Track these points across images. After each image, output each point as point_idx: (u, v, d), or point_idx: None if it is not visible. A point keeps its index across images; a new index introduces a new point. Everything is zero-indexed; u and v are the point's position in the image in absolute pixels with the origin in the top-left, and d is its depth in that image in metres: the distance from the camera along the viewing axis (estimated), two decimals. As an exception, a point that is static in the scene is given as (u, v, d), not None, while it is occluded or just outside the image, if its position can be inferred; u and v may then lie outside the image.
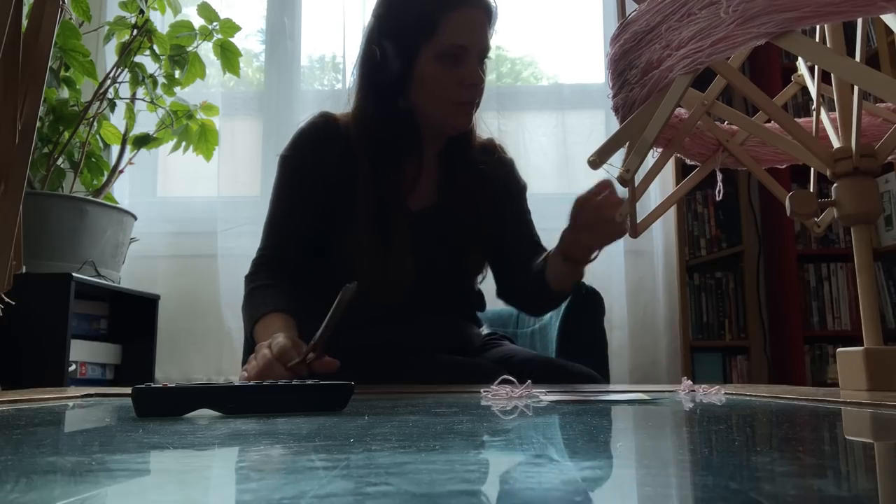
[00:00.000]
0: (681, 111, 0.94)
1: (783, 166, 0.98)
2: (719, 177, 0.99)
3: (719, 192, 1.00)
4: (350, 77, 1.23)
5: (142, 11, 2.01)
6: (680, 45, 0.62)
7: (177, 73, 2.10)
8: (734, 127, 0.96)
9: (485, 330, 1.36)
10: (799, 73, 0.94)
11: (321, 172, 1.17)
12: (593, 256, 1.12)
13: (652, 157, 0.93)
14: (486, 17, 1.14)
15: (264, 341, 0.97)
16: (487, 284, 1.42)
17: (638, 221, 0.88)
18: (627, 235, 0.92)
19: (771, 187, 0.92)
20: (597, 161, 0.69)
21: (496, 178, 1.28)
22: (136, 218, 2.07)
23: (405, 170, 1.19)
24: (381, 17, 1.16)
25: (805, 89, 0.95)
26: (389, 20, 1.15)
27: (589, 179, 1.10)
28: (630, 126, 0.70)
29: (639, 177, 0.88)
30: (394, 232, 1.15)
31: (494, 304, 1.63)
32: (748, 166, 0.94)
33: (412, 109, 1.16)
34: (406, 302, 1.18)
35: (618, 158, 0.77)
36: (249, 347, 1.34)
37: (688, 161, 1.00)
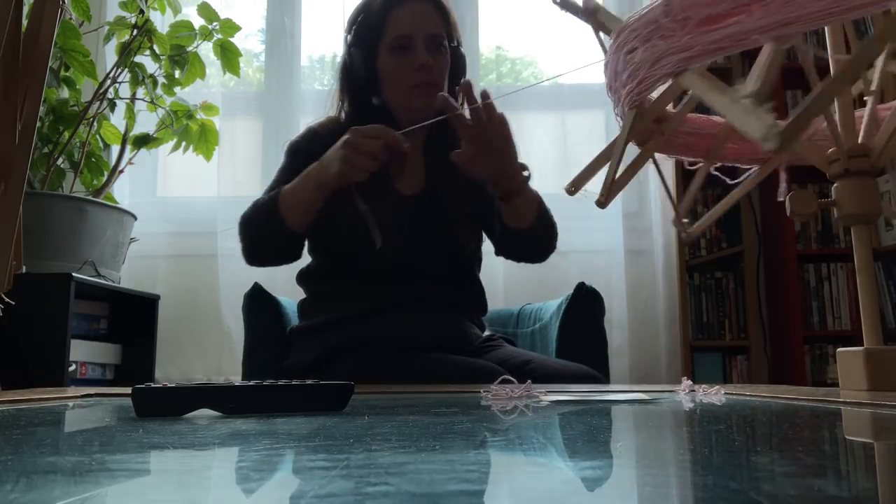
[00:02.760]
0: (718, 119, 0.93)
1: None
2: (783, 177, 0.97)
3: (782, 192, 0.97)
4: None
5: (142, 11, 2.01)
6: (623, 84, 0.70)
7: (177, 73, 2.10)
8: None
9: (486, 332, 1.36)
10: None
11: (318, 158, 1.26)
12: (526, 174, 1.20)
13: (689, 167, 0.92)
14: (429, 6, 1.27)
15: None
16: (486, 287, 1.42)
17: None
18: (683, 239, 0.92)
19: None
20: (572, 189, 0.75)
21: None
22: (136, 218, 2.07)
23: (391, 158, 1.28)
24: (348, 31, 1.32)
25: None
26: (353, 33, 1.30)
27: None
28: (601, 158, 0.76)
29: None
30: (376, 208, 1.22)
31: (494, 304, 1.63)
32: (812, 160, 0.92)
33: (385, 105, 1.29)
34: (403, 290, 1.22)
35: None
36: (251, 342, 1.35)
37: (741, 165, 0.97)
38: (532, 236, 1.28)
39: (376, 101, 1.29)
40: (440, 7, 1.28)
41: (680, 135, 0.87)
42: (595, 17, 0.76)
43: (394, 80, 1.26)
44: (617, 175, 0.74)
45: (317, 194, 1.17)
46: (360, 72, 1.27)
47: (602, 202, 0.75)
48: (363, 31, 1.28)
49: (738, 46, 0.59)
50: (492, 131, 1.12)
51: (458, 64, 1.32)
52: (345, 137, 1.12)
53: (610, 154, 0.74)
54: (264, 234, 1.23)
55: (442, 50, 1.28)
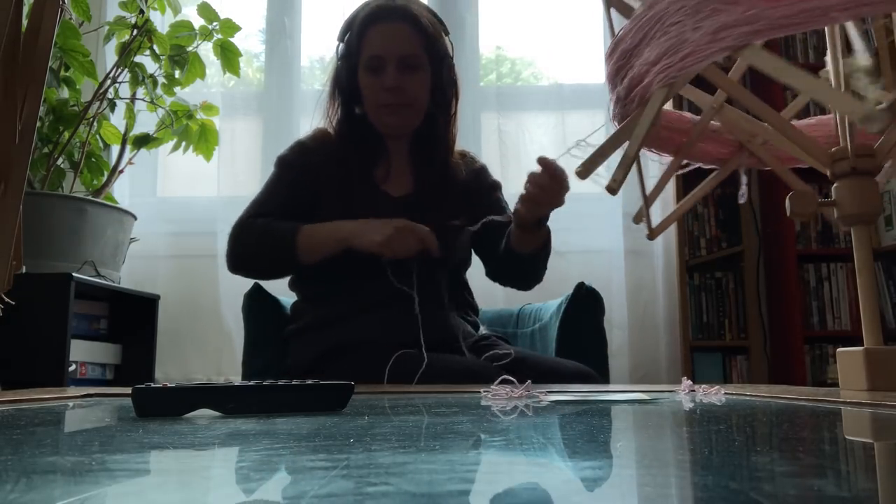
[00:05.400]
0: (690, 116, 0.93)
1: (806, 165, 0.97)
2: (743, 179, 0.98)
3: (743, 195, 0.98)
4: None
5: (142, 11, 2.00)
6: (655, 60, 0.66)
7: (177, 73, 2.10)
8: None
9: (482, 330, 1.37)
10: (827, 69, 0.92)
11: (310, 171, 1.32)
12: (544, 219, 1.25)
13: (661, 162, 0.93)
14: (405, 25, 1.29)
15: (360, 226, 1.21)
16: (486, 287, 1.42)
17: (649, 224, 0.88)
18: (646, 237, 0.92)
19: (795, 185, 0.91)
20: (584, 172, 0.73)
21: (467, 178, 1.40)
22: (136, 218, 2.06)
23: (378, 163, 1.34)
24: (339, 40, 1.36)
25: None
26: (343, 43, 1.34)
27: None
28: (614, 139, 0.74)
29: (650, 183, 0.89)
30: (362, 210, 1.26)
31: (494, 304, 1.63)
32: (771, 165, 0.93)
33: (365, 115, 1.33)
34: (395, 289, 1.22)
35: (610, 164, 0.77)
36: (251, 343, 1.36)
37: (704, 166, 0.98)
38: (530, 263, 1.34)
39: (359, 111, 1.34)
40: (418, 25, 1.29)
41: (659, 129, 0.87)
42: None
43: (368, 97, 1.31)
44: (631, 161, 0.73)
45: (340, 247, 1.21)
46: (343, 83, 1.32)
47: (613, 188, 0.74)
48: (347, 43, 1.33)
49: (812, 23, 0.55)
50: (555, 196, 1.20)
51: (441, 77, 1.33)
52: (398, 221, 1.18)
53: (621, 137, 0.73)
54: (268, 258, 1.27)
55: (417, 69, 1.29)
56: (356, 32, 1.30)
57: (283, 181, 1.34)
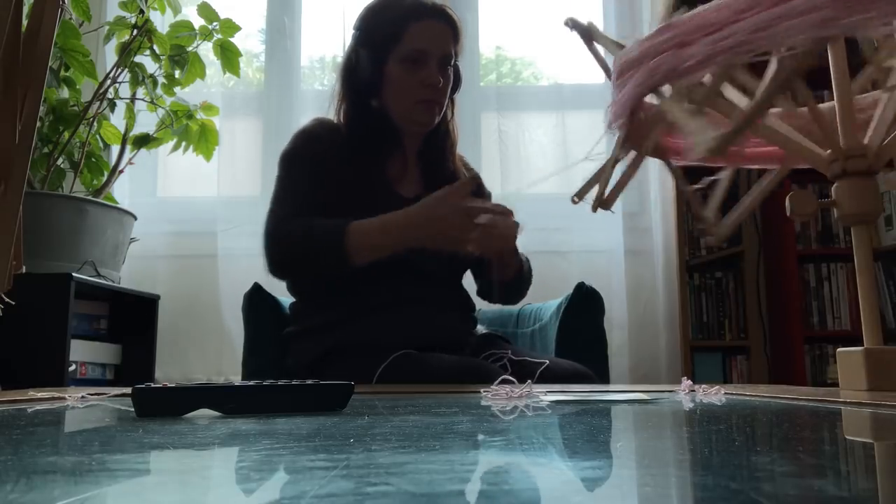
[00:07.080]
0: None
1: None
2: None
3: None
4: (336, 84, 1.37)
5: (142, 11, 2.00)
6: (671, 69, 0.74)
7: (177, 73, 2.10)
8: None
9: (482, 330, 1.37)
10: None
11: (320, 164, 1.28)
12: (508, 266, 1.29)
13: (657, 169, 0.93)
14: (447, 27, 1.29)
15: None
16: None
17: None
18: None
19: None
20: (576, 200, 0.80)
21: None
22: (136, 218, 2.06)
23: (390, 160, 1.32)
24: (358, 29, 1.32)
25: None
26: (365, 32, 1.30)
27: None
28: (604, 169, 0.81)
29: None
30: (378, 210, 1.22)
31: (494, 304, 1.62)
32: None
33: (384, 109, 1.30)
34: (399, 290, 1.23)
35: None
36: (251, 342, 1.36)
37: (756, 167, 0.97)
38: (511, 288, 1.36)
39: (375, 103, 1.30)
40: (455, 28, 1.30)
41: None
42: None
43: (401, 90, 1.27)
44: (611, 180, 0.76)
45: (400, 247, 1.17)
46: (364, 73, 1.28)
47: (604, 207, 0.77)
48: (376, 33, 1.28)
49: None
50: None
51: (457, 81, 1.36)
52: (454, 206, 1.15)
53: (610, 166, 0.76)
54: (315, 263, 1.20)
55: (449, 70, 1.30)
56: (394, 22, 1.27)
57: (300, 174, 1.28)
